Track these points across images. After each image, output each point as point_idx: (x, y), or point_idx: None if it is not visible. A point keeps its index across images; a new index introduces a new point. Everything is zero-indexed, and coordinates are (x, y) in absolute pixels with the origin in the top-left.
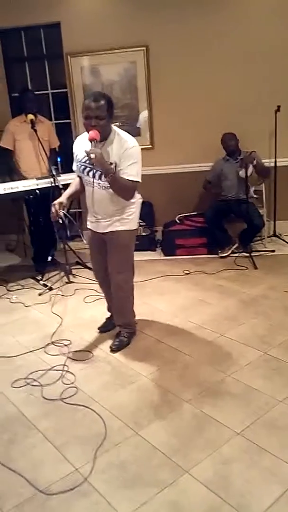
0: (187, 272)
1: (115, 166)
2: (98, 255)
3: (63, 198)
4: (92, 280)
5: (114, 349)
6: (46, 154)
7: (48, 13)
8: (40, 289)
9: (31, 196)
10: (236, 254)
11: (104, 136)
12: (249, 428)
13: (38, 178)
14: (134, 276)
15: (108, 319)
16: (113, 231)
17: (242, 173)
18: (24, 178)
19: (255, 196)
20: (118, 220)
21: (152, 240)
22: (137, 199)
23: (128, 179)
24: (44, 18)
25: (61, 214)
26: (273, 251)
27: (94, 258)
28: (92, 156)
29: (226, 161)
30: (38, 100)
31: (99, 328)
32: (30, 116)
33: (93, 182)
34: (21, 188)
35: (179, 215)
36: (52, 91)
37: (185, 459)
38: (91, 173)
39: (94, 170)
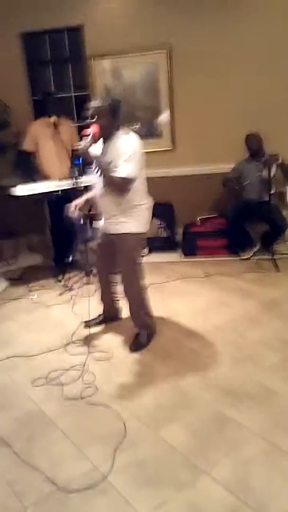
0: (208, 273)
1: (110, 164)
2: (103, 251)
3: (80, 199)
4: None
5: (133, 349)
6: (68, 156)
7: (71, 16)
8: (60, 289)
9: (52, 198)
10: (258, 257)
11: (107, 136)
12: (270, 430)
13: (60, 179)
14: (142, 278)
15: (100, 315)
16: (119, 234)
17: (265, 173)
18: (46, 179)
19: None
20: (122, 221)
21: (172, 241)
22: (142, 203)
23: (118, 176)
24: (67, 21)
25: (75, 215)
26: None
27: (98, 253)
28: (79, 147)
29: (248, 162)
30: (61, 103)
31: (85, 322)
32: (53, 118)
33: (100, 183)
34: (43, 190)
35: (200, 217)
36: (74, 94)
37: (205, 460)
38: (98, 173)
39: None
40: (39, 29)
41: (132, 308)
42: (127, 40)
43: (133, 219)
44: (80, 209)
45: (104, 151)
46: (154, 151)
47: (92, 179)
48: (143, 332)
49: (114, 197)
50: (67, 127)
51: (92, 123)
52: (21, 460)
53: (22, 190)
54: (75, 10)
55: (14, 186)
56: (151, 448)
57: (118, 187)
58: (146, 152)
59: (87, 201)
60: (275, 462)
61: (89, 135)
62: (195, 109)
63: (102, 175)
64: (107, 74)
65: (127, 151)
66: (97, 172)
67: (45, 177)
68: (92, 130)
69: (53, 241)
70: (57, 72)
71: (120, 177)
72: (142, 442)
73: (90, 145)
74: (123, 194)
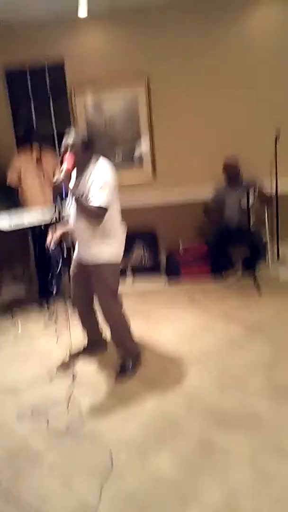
0: (192, 299)
1: (84, 194)
2: (79, 281)
3: (57, 232)
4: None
5: (118, 379)
6: (51, 186)
7: (52, 55)
8: (45, 321)
9: (36, 230)
10: (241, 280)
11: (81, 169)
12: (258, 455)
13: (43, 211)
14: (121, 305)
15: (85, 346)
16: (93, 264)
17: (243, 201)
18: (30, 211)
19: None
20: (96, 252)
21: (157, 268)
22: (118, 231)
23: (93, 205)
24: (48, 57)
25: (52, 247)
26: (278, 276)
27: (74, 284)
28: (54, 179)
29: (227, 189)
30: (43, 137)
31: (71, 353)
32: (36, 152)
33: (75, 213)
34: (26, 224)
35: (183, 244)
36: (57, 127)
37: (193, 488)
38: (73, 203)
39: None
40: (21, 67)
41: (114, 336)
42: (107, 75)
43: (109, 247)
44: (57, 240)
45: (77, 183)
46: (136, 181)
47: (69, 210)
48: (128, 361)
49: (89, 226)
50: (50, 158)
51: (66, 156)
52: (8, 496)
53: (5, 225)
54: (56, 48)
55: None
56: (139, 479)
57: (93, 215)
58: (128, 183)
59: (64, 233)
60: (264, 487)
61: (63, 168)
62: (175, 137)
63: (77, 205)
64: (89, 108)
65: (100, 181)
66: (71, 202)
67: (29, 209)
68: (66, 163)
69: (38, 272)
70: (40, 107)
71: (95, 206)
72: (130, 473)
73: (65, 177)
74: (97, 222)
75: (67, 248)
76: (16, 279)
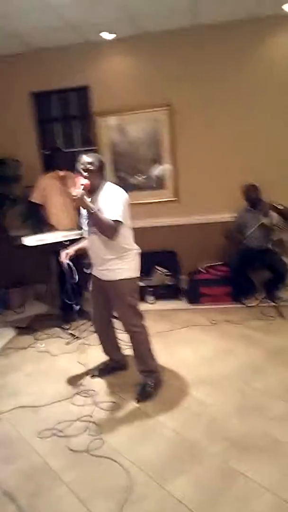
0: (213, 321)
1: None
2: (97, 300)
3: (71, 248)
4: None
5: (139, 400)
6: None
7: (78, 77)
8: (67, 338)
9: (60, 248)
10: (262, 304)
11: (94, 189)
12: (279, 484)
13: (67, 230)
14: (142, 319)
15: (106, 364)
16: (110, 281)
17: (266, 220)
18: (54, 230)
19: (272, 247)
20: (115, 267)
21: (177, 289)
22: (132, 248)
23: (109, 218)
24: (74, 82)
25: (65, 262)
26: None
27: (93, 302)
28: (74, 193)
29: (248, 211)
30: (68, 157)
31: (91, 372)
32: (61, 173)
33: (90, 230)
34: (51, 240)
35: (204, 265)
36: (82, 149)
37: None
38: (88, 220)
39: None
40: (48, 89)
41: (136, 351)
42: (130, 98)
43: (126, 263)
44: (68, 256)
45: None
46: (158, 202)
47: (85, 227)
48: (149, 382)
49: (105, 242)
50: (74, 181)
51: (85, 177)
52: None
53: (31, 240)
54: (81, 71)
55: (24, 236)
56: (158, 503)
57: (109, 228)
58: (149, 203)
59: (79, 249)
60: None
61: (83, 185)
62: (197, 161)
63: (92, 219)
64: (112, 130)
65: (113, 198)
66: (87, 219)
67: (53, 228)
68: (83, 181)
69: (60, 290)
70: (65, 129)
71: (110, 219)
72: (149, 496)
73: (84, 193)
74: (113, 236)
75: (83, 265)
76: (39, 296)
